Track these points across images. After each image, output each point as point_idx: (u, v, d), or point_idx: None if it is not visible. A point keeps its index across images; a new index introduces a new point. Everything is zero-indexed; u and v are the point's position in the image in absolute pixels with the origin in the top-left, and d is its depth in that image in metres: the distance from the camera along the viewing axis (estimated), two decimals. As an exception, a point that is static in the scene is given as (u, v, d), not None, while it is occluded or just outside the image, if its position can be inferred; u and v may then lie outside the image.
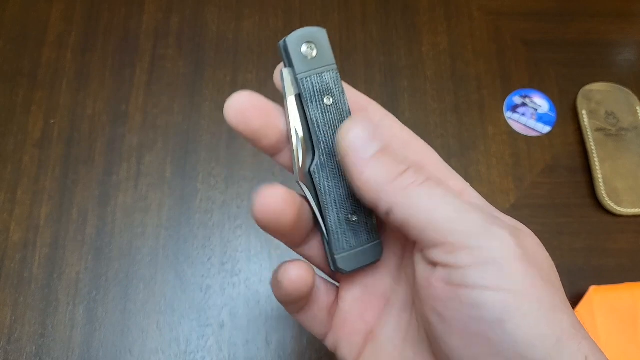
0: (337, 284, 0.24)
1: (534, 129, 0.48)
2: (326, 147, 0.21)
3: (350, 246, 0.22)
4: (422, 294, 0.19)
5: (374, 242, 0.22)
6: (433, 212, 0.18)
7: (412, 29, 0.51)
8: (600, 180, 0.45)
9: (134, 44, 0.49)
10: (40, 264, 0.41)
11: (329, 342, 0.23)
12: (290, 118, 0.21)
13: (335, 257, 0.21)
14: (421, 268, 0.19)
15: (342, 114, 0.21)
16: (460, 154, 0.46)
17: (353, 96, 0.23)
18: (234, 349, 0.39)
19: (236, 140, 0.46)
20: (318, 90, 0.21)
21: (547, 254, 0.19)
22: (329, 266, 0.22)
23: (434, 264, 0.18)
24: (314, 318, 0.23)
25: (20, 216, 0.43)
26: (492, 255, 0.17)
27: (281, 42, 0.21)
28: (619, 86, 0.49)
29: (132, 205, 0.43)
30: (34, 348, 0.39)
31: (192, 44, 0.50)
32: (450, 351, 0.18)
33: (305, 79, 0.21)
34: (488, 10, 0.52)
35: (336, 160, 0.21)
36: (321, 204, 0.21)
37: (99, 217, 0.43)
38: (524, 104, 0.48)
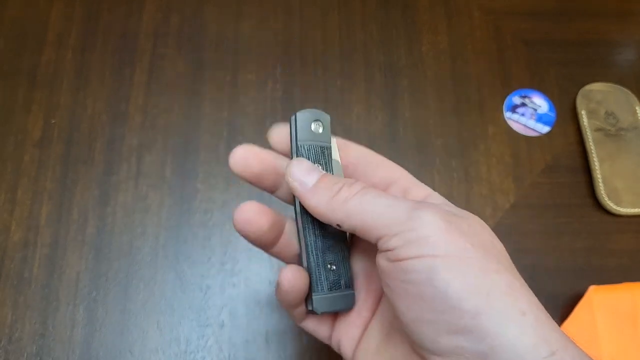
0: None
1: (533, 129, 0.48)
2: None
3: (328, 289, 0.25)
4: (380, 276, 0.23)
5: (348, 292, 0.26)
6: (368, 214, 0.22)
7: (412, 29, 0.51)
8: (600, 180, 0.45)
9: (134, 43, 0.49)
10: (40, 264, 0.41)
11: (334, 342, 0.27)
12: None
13: (313, 296, 0.25)
14: (378, 256, 0.23)
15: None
16: (460, 154, 0.46)
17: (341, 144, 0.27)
18: (233, 349, 0.39)
19: (236, 140, 0.46)
20: (312, 157, 0.25)
21: (494, 237, 0.22)
22: (305, 305, 0.26)
23: (381, 252, 0.22)
24: (319, 323, 0.27)
25: (20, 216, 0.43)
26: (416, 234, 0.20)
27: (297, 113, 0.25)
28: (619, 86, 0.49)
29: (132, 205, 0.43)
30: (34, 348, 0.39)
31: (192, 44, 0.50)
32: (401, 316, 0.21)
33: (304, 144, 0.25)
34: (488, 10, 0.52)
35: None
36: (308, 246, 0.25)
37: (99, 217, 0.43)
38: (523, 104, 0.48)
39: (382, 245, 0.21)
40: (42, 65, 0.48)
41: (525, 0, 0.53)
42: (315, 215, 0.23)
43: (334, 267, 0.25)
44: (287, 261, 0.27)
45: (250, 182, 0.26)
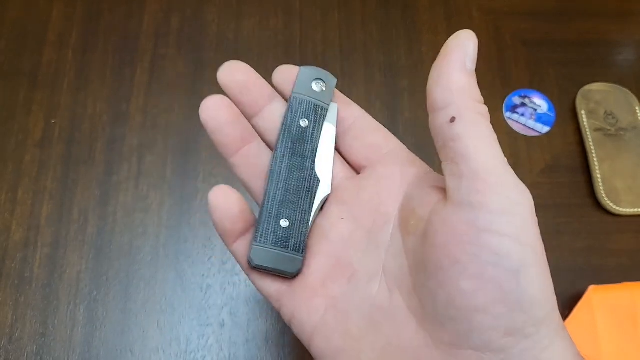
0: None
1: (533, 129, 0.48)
2: (285, 151, 0.24)
3: (272, 244, 0.23)
4: (438, 238, 0.19)
5: (296, 256, 0.23)
6: (486, 147, 0.19)
7: (412, 29, 0.51)
8: (600, 180, 0.45)
9: (135, 43, 0.49)
10: (41, 264, 0.41)
11: (286, 310, 0.23)
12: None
13: (253, 245, 0.23)
14: (444, 209, 0.19)
15: (307, 140, 0.24)
16: (460, 153, 0.46)
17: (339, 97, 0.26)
18: (234, 348, 0.40)
19: (236, 140, 0.46)
20: (302, 110, 0.24)
21: None
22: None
23: (460, 204, 0.19)
24: (262, 281, 0.24)
25: (21, 216, 0.43)
26: (519, 208, 0.18)
27: (302, 66, 0.25)
28: (618, 86, 0.49)
29: (133, 205, 0.44)
30: (34, 347, 0.39)
31: (193, 44, 0.50)
32: (456, 295, 0.18)
33: (298, 97, 0.24)
34: (488, 10, 0.52)
35: (291, 163, 0.24)
36: (267, 192, 0.24)
37: (100, 216, 0.43)
38: (523, 104, 0.49)
39: (469, 194, 0.18)
40: (42, 65, 0.48)
41: (525, 1, 0.53)
42: (439, 87, 0.20)
43: (286, 224, 0.23)
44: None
45: (233, 99, 0.25)
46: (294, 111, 0.24)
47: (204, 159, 0.45)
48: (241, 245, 0.24)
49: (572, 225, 0.44)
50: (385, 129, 0.25)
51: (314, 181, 0.24)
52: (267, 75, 0.48)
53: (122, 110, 0.47)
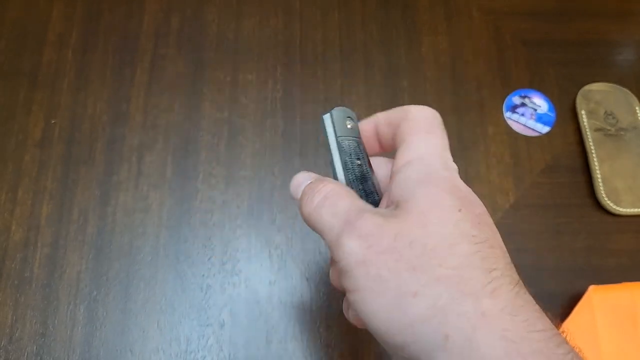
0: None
1: (533, 129, 0.48)
2: (350, 174, 0.26)
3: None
4: None
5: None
6: (319, 231, 0.23)
7: (412, 29, 0.51)
8: (600, 180, 0.45)
9: (135, 43, 0.49)
10: (41, 264, 0.41)
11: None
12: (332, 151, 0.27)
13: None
14: None
15: (365, 171, 0.27)
16: (460, 154, 0.46)
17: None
18: (234, 349, 0.40)
19: (236, 140, 0.46)
20: (353, 151, 0.26)
21: (451, 231, 0.21)
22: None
23: None
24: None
25: (21, 216, 0.43)
26: (342, 266, 0.21)
27: (333, 110, 0.27)
28: (618, 86, 0.49)
29: (133, 205, 0.44)
30: (34, 347, 0.39)
31: (193, 44, 0.50)
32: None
33: (344, 141, 0.26)
34: (488, 10, 0.52)
35: (352, 178, 0.26)
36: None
37: (100, 216, 0.43)
38: (523, 104, 0.49)
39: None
40: (42, 65, 0.48)
41: (525, 1, 0.53)
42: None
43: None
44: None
45: None
46: (348, 153, 0.26)
47: (204, 159, 0.45)
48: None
49: (572, 225, 0.44)
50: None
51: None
52: (267, 75, 0.48)
53: (122, 110, 0.47)
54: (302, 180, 0.25)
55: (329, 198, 0.23)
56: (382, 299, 0.19)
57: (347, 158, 0.26)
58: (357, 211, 0.22)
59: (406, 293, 0.19)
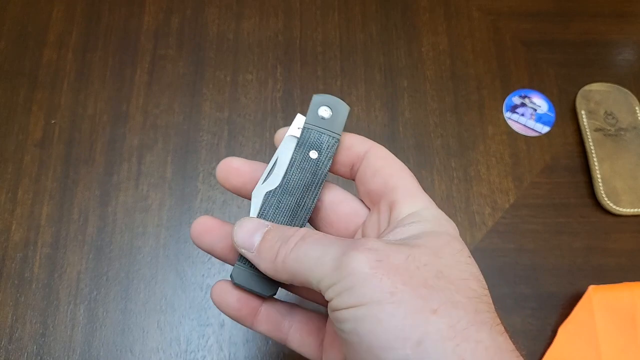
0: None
1: (533, 129, 0.48)
2: (287, 185, 0.24)
3: (251, 266, 0.24)
4: None
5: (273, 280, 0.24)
6: (304, 270, 0.21)
7: (412, 29, 0.51)
8: (599, 180, 0.45)
9: (135, 44, 0.49)
10: (41, 264, 0.41)
11: None
12: (280, 147, 0.25)
13: (235, 265, 0.24)
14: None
15: (318, 173, 0.24)
16: (459, 154, 0.47)
17: (357, 140, 0.26)
18: (234, 348, 0.40)
19: (236, 140, 0.46)
20: (311, 142, 0.24)
21: (460, 260, 0.20)
22: None
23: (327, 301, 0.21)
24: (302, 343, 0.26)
25: (21, 216, 0.43)
26: (343, 285, 0.19)
27: (315, 94, 0.25)
28: (618, 86, 0.49)
29: (133, 205, 0.44)
30: (35, 347, 0.39)
31: (193, 44, 0.50)
32: None
33: (308, 129, 0.24)
34: (488, 11, 0.52)
35: (285, 200, 0.24)
36: (258, 214, 0.24)
37: (100, 216, 0.43)
38: (523, 104, 0.49)
39: (325, 296, 0.21)
40: (43, 65, 0.48)
41: (525, 1, 0.53)
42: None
43: None
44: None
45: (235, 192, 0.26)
46: (302, 142, 0.25)
47: (204, 159, 0.45)
48: (262, 324, 0.25)
49: (571, 225, 0.44)
50: (389, 160, 0.26)
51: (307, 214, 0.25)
52: (267, 75, 0.49)
53: (122, 110, 0.47)
54: (253, 227, 0.23)
55: (309, 237, 0.22)
56: (392, 313, 0.18)
57: (297, 155, 0.24)
58: (359, 238, 0.22)
59: (424, 309, 0.18)
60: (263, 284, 0.24)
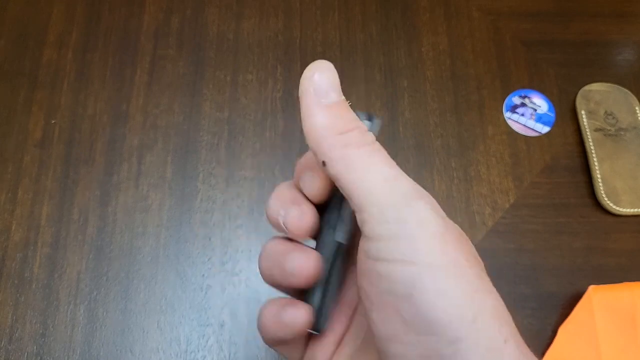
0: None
1: (533, 129, 0.48)
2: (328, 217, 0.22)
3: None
4: (358, 272, 0.19)
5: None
6: (362, 178, 0.18)
7: (412, 29, 0.51)
8: (599, 180, 0.45)
9: (135, 44, 0.49)
10: (41, 264, 0.41)
11: None
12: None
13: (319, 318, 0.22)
14: (360, 246, 0.19)
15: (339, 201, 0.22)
16: (459, 154, 0.47)
17: None
18: (234, 349, 0.40)
19: (236, 140, 0.46)
20: None
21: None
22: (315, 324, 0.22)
23: (363, 237, 0.18)
24: (291, 346, 0.23)
25: (21, 216, 0.43)
26: (406, 230, 0.17)
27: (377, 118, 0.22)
28: (618, 86, 0.49)
29: (133, 205, 0.44)
30: (34, 348, 0.39)
31: (193, 44, 0.50)
32: (374, 329, 0.18)
33: None
34: (488, 11, 0.52)
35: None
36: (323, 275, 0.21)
37: (100, 216, 0.43)
38: (523, 104, 0.49)
39: (365, 229, 0.18)
40: (43, 65, 0.48)
41: (525, 1, 0.53)
42: (306, 136, 0.19)
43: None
44: None
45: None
46: None
47: (203, 159, 0.45)
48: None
49: (571, 225, 0.44)
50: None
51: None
52: (267, 75, 0.49)
53: (122, 110, 0.47)
54: (335, 83, 0.20)
55: (381, 149, 0.19)
56: (455, 285, 0.17)
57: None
58: None
59: (478, 288, 0.17)
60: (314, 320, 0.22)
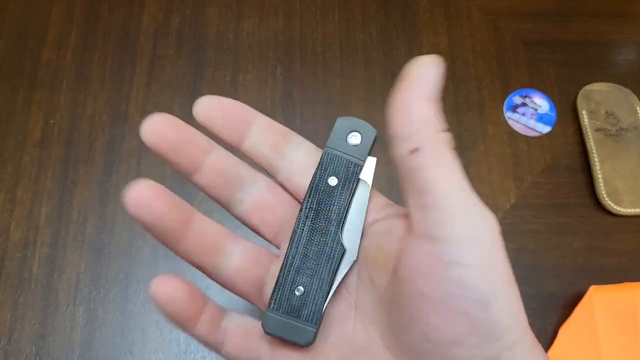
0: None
1: (534, 129, 0.48)
2: (309, 212, 0.22)
3: (284, 312, 0.22)
4: (406, 274, 0.19)
5: (308, 327, 0.22)
6: (448, 177, 0.18)
7: (412, 29, 0.51)
8: (600, 180, 0.45)
9: (134, 44, 0.49)
10: (40, 264, 0.41)
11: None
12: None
13: (266, 311, 0.23)
14: (409, 244, 0.19)
15: (339, 202, 0.22)
16: (460, 154, 0.46)
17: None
18: (234, 349, 0.39)
19: (236, 140, 0.46)
20: (332, 167, 0.22)
21: None
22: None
23: (424, 237, 0.18)
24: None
25: (20, 216, 0.43)
26: (484, 236, 0.18)
27: (339, 117, 0.23)
28: (619, 86, 0.49)
29: (132, 205, 0.43)
30: (33, 348, 0.39)
31: (192, 44, 0.50)
32: (434, 333, 0.18)
33: (329, 153, 0.23)
34: (488, 11, 0.52)
35: (313, 226, 0.22)
36: (287, 255, 0.22)
37: (99, 217, 0.43)
38: (524, 104, 0.48)
39: (435, 229, 0.18)
40: (42, 65, 0.48)
41: (525, 1, 0.53)
42: (398, 118, 0.19)
43: (301, 292, 0.22)
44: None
45: (164, 157, 0.23)
46: (323, 168, 0.22)
47: (203, 159, 0.45)
48: (204, 328, 0.23)
49: (572, 225, 0.44)
50: None
51: (337, 247, 0.22)
52: (267, 75, 0.48)
53: (121, 110, 0.47)
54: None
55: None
56: (515, 294, 0.18)
57: (318, 171, 0.22)
58: None
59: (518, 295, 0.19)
60: (298, 332, 0.22)
